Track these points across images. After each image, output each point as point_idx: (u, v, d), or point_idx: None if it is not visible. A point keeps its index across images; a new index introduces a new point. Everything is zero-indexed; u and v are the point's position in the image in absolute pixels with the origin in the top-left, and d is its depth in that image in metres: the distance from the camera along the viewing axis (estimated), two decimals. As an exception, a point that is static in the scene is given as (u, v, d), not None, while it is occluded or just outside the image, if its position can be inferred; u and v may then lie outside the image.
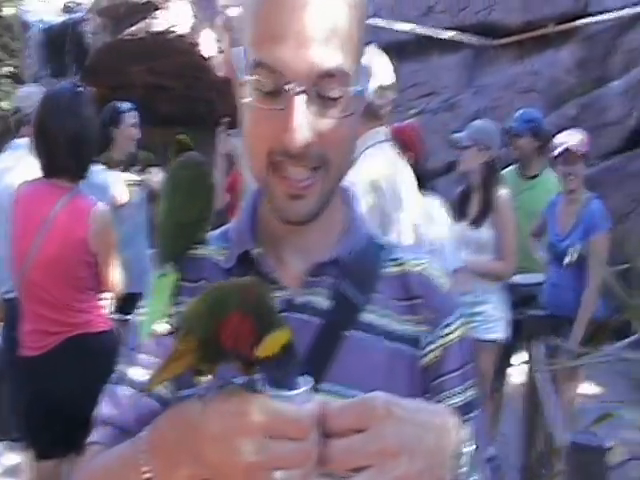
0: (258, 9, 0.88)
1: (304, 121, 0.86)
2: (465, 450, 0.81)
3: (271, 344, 0.73)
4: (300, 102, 0.85)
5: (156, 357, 0.97)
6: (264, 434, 0.71)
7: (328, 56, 0.85)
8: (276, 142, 0.87)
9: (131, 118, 4.31)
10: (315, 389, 0.87)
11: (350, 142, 0.94)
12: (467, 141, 3.85)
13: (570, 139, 3.91)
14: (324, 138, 0.88)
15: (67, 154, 2.68)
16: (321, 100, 0.87)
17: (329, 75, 0.86)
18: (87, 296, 2.75)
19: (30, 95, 3.53)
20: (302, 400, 0.74)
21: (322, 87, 0.86)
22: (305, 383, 0.75)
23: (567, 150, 3.86)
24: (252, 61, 0.87)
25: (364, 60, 0.94)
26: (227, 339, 0.74)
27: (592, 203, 3.87)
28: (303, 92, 0.85)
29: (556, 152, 3.90)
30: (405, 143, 3.40)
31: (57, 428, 2.71)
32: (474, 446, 0.83)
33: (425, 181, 3.46)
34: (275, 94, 0.86)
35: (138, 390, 0.97)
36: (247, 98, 0.89)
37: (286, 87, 0.85)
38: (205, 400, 0.76)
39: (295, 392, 0.74)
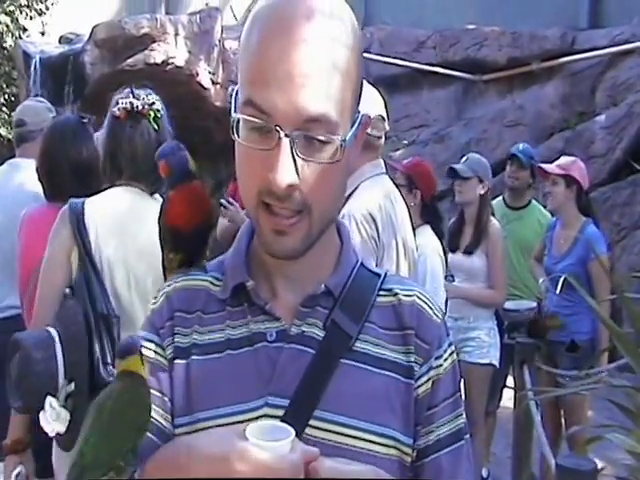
0: (251, 50, 0.89)
1: (289, 163, 0.87)
2: None
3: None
4: (286, 144, 0.86)
5: (158, 391, 0.97)
6: None
7: (315, 102, 0.86)
8: (263, 182, 0.88)
9: None
10: (309, 419, 0.91)
11: (335, 190, 0.94)
12: (468, 172, 3.92)
13: (559, 162, 3.99)
14: (308, 182, 0.89)
15: (72, 181, 2.71)
16: (308, 145, 0.88)
17: (315, 120, 0.87)
18: None
19: (37, 111, 3.45)
20: (284, 450, 0.75)
21: (308, 132, 0.87)
22: (288, 433, 0.77)
23: (539, 168, 3.98)
24: (243, 99, 0.89)
25: (361, 108, 0.97)
26: None
27: (588, 228, 3.87)
28: (290, 135, 0.86)
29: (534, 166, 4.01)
30: (412, 180, 3.54)
31: None
32: None
33: (433, 217, 3.58)
34: (264, 134, 0.88)
35: None
36: (238, 136, 0.91)
37: (274, 129, 0.86)
38: (192, 443, 0.79)
39: (278, 443, 0.75)
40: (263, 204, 0.91)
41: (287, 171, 0.87)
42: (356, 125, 0.94)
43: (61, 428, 1.94)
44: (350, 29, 0.91)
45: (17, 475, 2.15)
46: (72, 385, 1.99)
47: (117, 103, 2.19)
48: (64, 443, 2.01)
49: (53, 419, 1.93)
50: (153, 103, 2.20)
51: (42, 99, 4.11)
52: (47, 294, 2.15)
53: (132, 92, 2.21)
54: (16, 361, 2.02)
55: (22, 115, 3.47)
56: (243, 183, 0.94)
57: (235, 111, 0.91)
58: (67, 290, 2.12)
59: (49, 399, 1.96)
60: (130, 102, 2.17)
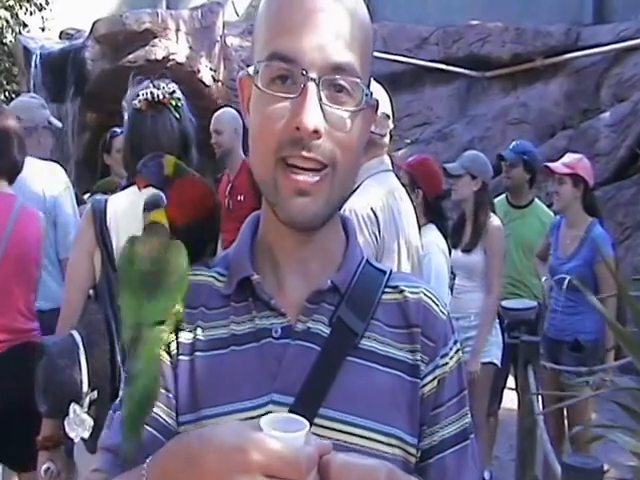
0: (274, 8, 0.91)
1: (316, 107, 0.87)
2: None
3: None
4: (312, 89, 0.86)
5: (162, 387, 0.96)
6: (261, 473, 0.71)
7: (342, 50, 0.88)
8: (286, 132, 0.87)
9: (119, 143, 4.28)
10: (314, 417, 0.89)
11: (358, 143, 0.93)
12: (459, 170, 3.95)
13: (564, 160, 3.96)
14: (333, 131, 0.89)
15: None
16: (333, 92, 0.89)
17: (341, 68, 0.88)
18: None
19: (31, 107, 3.48)
20: (300, 442, 0.74)
21: (335, 79, 0.88)
22: (303, 425, 0.76)
23: (546, 167, 3.97)
24: (267, 54, 0.89)
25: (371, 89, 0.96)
26: None
27: (594, 229, 3.84)
28: (316, 80, 0.87)
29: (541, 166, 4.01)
30: (414, 179, 3.51)
31: None
32: None
33: (438, 216, 3.56)
34: (287, 86, 0.88)
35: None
36: (258, 88, 0.90)
37: (300, 74, 0.87)
38: (205, 433, 0.77)
39: (294, 434, 0.74)
40: (282, 164, 0.89)
41: (314, 114, 0.86)
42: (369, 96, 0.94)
43: (85, 434, 1.98)
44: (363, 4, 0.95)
45: (46, 470, 2.20)
46: (95, 393, 2.03)
47: (137, 95, 2.16)
48: (89, 447, 2.04)
49: (77, 425, 1.98)
50: (173, 91, 2.19)
51: (35, 95, 4.08)
52: (73, 296, 2.18)
53: (152, 82, 2.19)
54: (42, 367, 2.06)
55: (15, 111, 3.43)
56: (260, 142, 0.92)
57: (255, 69, 0.91)
58: (91, 292, 2.16)
59: (73, 406, 1.99)
60: (151, 92, 2.15)
